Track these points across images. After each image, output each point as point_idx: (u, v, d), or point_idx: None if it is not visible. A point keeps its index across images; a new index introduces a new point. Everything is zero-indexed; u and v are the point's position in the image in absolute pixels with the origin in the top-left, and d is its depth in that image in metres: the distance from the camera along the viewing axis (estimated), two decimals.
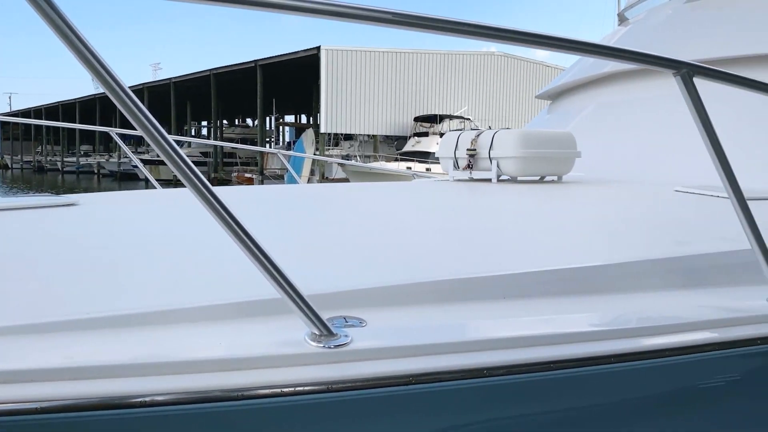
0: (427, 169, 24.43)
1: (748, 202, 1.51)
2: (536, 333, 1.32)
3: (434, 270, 1.56)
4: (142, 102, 0.95)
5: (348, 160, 32.13)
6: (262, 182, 32.03)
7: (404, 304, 1.41)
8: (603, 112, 4.91)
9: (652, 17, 5.60)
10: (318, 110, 34.11)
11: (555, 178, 3.87)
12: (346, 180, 28.16)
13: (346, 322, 1.29)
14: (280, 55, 33.98)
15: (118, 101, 0.95)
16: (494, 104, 39.54)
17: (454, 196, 3.20)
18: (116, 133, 4.85)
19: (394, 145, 35.94)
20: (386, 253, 1.78)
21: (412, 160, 27.98)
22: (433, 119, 33.92)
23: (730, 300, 1.64)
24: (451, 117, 34.71)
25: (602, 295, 1.58)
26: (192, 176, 1.01)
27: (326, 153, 32.88)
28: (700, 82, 1.42)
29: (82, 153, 58.22)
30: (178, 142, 1.14)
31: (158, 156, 1.07)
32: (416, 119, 34.71)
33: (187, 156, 1.02)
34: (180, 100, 44.74)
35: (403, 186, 3.65)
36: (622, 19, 6.11)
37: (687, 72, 1.39)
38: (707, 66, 1.43)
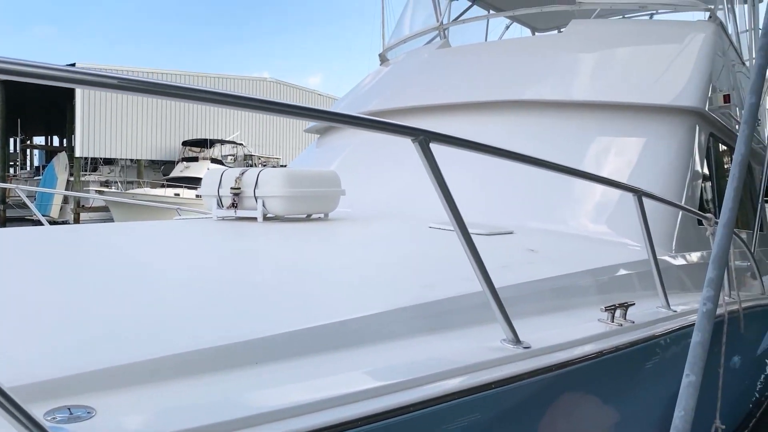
0: (198, 196, 23.49)
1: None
2: (277, 406, 1.25)
3: (179, 339, 1.42)
4: None
5: (108, 186, 29.71)
6: (4, 212, 28.25)
7: (143, 383, 1.26)
8: (367, 148, 5.10)
9: (411, 60, 5.99)
10: (73, 132, 31.05)
11: (322, 215, 3.89)
12: (105, 208, 25.99)
13: (71, 413, 1.11)
14: None
15: None
16: (268, 130, 39.52)
17: (217, 240, 3.03)
18: None
19: (160, 170, 34.05)
20: (126, 321, 1.57)
21: (181, 186, 26.73)
22: (204, 144, 32.83)
23: (469, 343, 1.74)
24: (222, 142, 33.93)
25: (355, 350, 1.59)
26: None
27: (82, 179, 30.04)
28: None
29: None
30: None
31: None
32: (185, 143, 33.31)
33: None
34: None
35: (161, 228, 3.38)
36: (383, 59, 6.45)
37: (423, 138, 1.51)
38: (440, 133, 1.56)
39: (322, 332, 1.57)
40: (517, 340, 1.74)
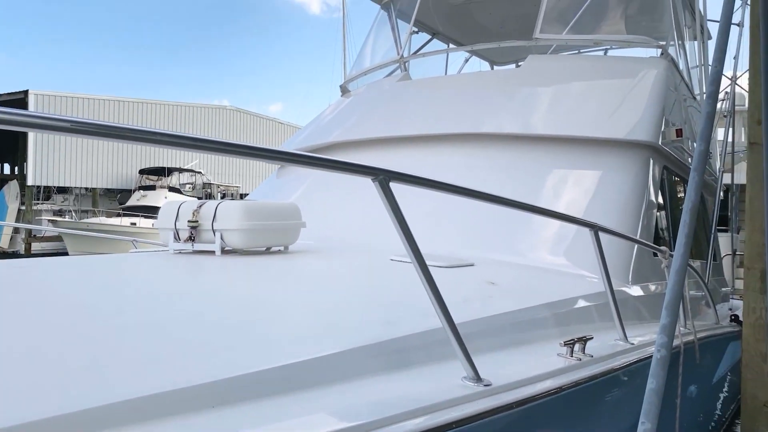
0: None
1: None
2: None
3: (129, 384, 1.36)
4: None
5: (61, 215, 28.95)
6: None
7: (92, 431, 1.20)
8: (329, 179, 5.08)
9: (372, 91, 6.04)
10: (25, 159, 30.30)
11: (282, 247, 3.83)
12: (58, 238, 25.28)
13: None
14: None
15: None
16: (227, 158, 39.10)
17: (172, 275, 2.94)
18: None
19: (116, 198, 33.37)
20: (71, 366, 1.48)
21: (137, 215, 26.22)
22: (161, 172, 32.38)
23: (430, 382, 1.73)
24: (181, 170, 33.52)
25: (315, 391, 1.56)
26: None
27: (35, 208, 29.25)
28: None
29: None
30: None
31: None
32: (142, 171, 32.79)
33: None
34: None
35: (114, 262, 3.27)
36: (344, 90, 6.48)
37: (383, 178, 1.52)
38: (400, 172, 1.58)
39: (280, 374, 1.53)
40: (477, 378, 1.73)
